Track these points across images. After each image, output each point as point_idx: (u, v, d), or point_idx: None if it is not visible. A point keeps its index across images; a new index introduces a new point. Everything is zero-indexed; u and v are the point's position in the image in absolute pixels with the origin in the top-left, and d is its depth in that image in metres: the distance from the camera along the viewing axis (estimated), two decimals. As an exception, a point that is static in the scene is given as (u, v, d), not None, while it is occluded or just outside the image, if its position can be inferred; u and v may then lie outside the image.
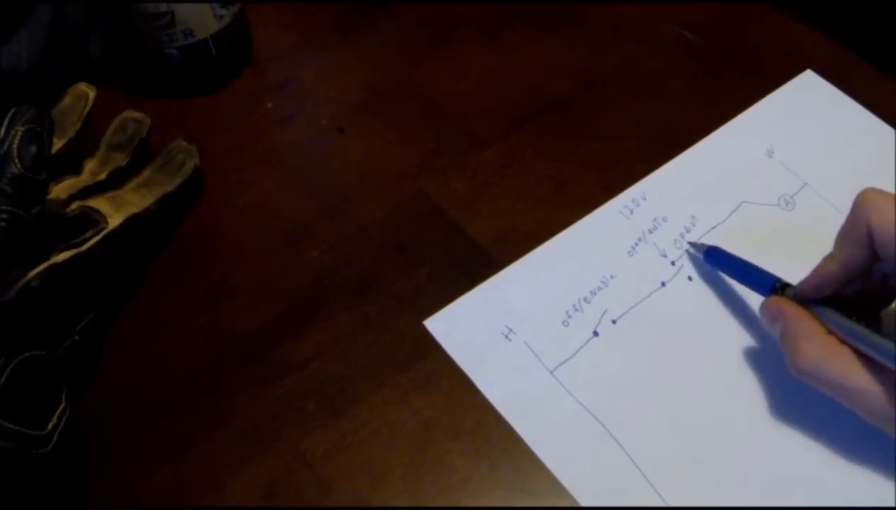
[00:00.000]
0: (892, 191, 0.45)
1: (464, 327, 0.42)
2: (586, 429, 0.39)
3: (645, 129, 0.50)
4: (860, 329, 0.34)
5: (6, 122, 0.38)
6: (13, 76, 0.47)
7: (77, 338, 0.40)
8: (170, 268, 0.46)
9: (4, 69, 0.47)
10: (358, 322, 0.43)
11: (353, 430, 0.40)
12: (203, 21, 0.50)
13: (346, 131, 0.51)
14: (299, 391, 0.41)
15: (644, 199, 0.47)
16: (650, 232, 0.45)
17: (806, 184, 0.47)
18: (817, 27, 0.54)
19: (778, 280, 0.39)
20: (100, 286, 0.43)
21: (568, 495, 0.37)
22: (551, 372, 0.41)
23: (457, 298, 0.43)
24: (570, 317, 0.42)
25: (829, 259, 0.36)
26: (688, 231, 0.45)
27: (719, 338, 0.42)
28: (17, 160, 0.37)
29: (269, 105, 0.53)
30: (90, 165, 0.45)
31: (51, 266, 0.39)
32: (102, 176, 0.45)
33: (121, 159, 0.46)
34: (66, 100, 0.46)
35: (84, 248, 0.41)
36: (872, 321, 0.35)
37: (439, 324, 0.42)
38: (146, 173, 0.46)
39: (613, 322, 0.42)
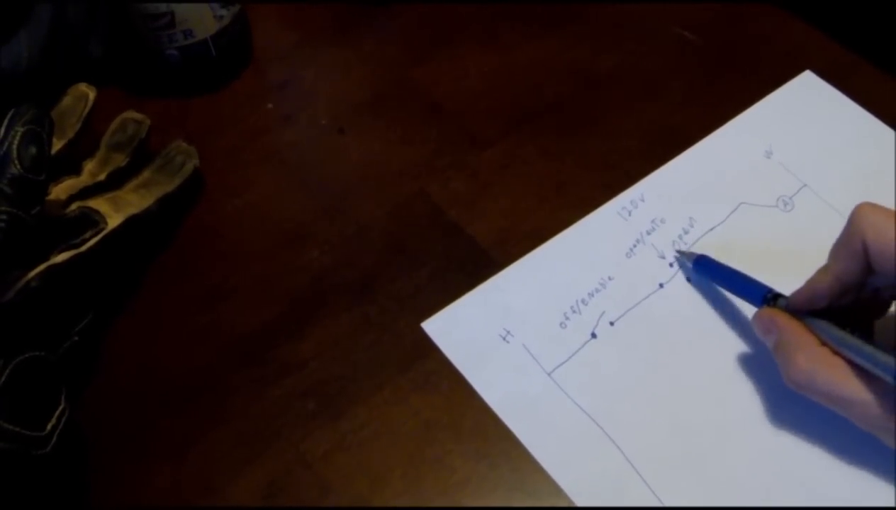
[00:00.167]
0: (892, 191, 0.45)
1: (462, 329, 0.42)
2: (584, 430, 0.39)
3: (645, 129, 0.50)
4: (853, 340, 0.34)
5: (6, 122, 0.38)
6: (13, 76, 0.47)
7: (76, 338, 0.40)
8: (170, 269, 0.45)
9: (4, 69, 0.47)
10: (358, 322, 0.43)
11: (353, 431, 0.40)
12: (203, 21, 0.50)
13: (347, 131, 0.51)
14: (299, 391, 0.41)
15: (642, 200, 0.47)
16: (648, 233, 0.45)
17: (805, 185, 0.47)
18: (817, 27, 0.54)
19: (770, 291, 0.39)
20: (99, 287, 0.43)
21: (567, 495, 0.37)
22: (549, 374, 0.41)
23: (457, 298, 0.43)
24: (567, 318, 0.42)
25: (822, 271, 0.36)
26: (686, 232, 0.45)
27: (717, 339, 0.42)
28: (16, 161, 0.37)
29: (269, 105, 0.53)
30: (90, 166, 0.45)
31: (50, 267, 0.39)
32: (102, 176, 0.45)
33: (120, 160, 0.46)
34: (66, 100, 0.46)
35: (83, 248, 0.41)
36: (865, 332, 0.35)
37: (437, 326, 0.42)
38: (146, 174, 0.46)
39: (611, 324, 0.42)
